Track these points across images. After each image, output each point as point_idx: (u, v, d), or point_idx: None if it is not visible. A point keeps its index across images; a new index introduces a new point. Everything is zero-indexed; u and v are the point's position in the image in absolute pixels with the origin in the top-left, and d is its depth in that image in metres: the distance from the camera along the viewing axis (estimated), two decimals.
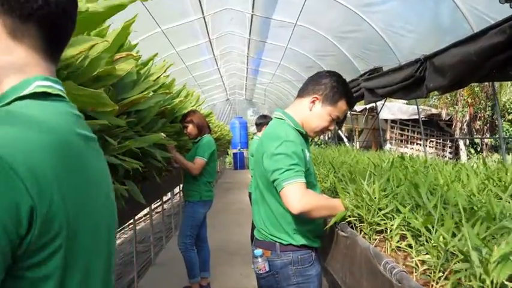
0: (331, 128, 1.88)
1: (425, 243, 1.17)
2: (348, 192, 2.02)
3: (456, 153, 10.81)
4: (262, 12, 8.68)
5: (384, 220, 1.43)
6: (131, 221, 4.31)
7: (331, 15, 7.75)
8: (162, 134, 2.55)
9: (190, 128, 3.64)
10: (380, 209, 1.48)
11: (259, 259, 1.79)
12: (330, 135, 14.71)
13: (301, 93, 1.90)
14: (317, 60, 9.72)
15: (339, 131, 14.39)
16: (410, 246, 1.24)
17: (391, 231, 1.34)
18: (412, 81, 4.58)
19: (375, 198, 1.50)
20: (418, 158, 3.13)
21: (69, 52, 1.21)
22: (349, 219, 1.61)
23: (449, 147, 11.15)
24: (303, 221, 1.74)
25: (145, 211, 7.58)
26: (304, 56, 9.91)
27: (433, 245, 1.10)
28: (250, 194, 4.45)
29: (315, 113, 1.82)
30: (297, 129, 1.82)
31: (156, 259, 4.98)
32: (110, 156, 2.03)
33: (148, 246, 5.96)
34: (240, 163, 19.08)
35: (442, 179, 1.66)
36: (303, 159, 1.71)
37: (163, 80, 3.20)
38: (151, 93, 2.33)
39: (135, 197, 2.48)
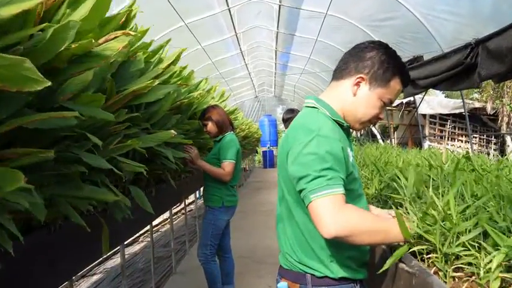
0: (382, 116, 1.42)
1: None
2: (400, 204, 1.58)
3: (501, 149, 10.00)
4: (290, 2, 8.23)
5: (467, 250, 0.99)
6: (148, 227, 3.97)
7: (365, 3, 7.24)
8: (173, 131, 2.16)
9: (210, 126, 3.25)
10: (459, 234, 1.03)
11: None
12: (362, 132, 14.10)
13: (340, 74, 1.43)
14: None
15: (372, 128, 13.77)
16: None
17: (487, 271, 0.89)
18: (460, 69, 4.05)
19: (451, 217, 1.05)
20: (479, 157, 2.63)
21: (3, 11, 0.83)
22: (414, 247, 1.15)
23: (494, 143, 10.34)
24: (342, 244, 1.26)
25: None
26: (335, 49, 9.39)
27: None
28: None
29: (361, 97, 1.36)
30: (335, 120, 1.38)
31: (177, 267, 4.63)
32: (101, 157, 1.66)
33: (171, 251, 5.65)
34: (269, 161, 18.75)
35: None
36: (342, 160, 1.26)
37: (178, 69, 2.82)
38: (157, 83, 1.94)
39: (141, 205, 2.11)
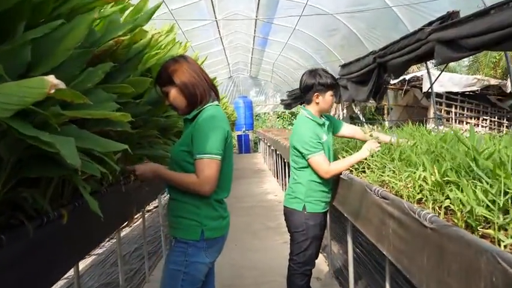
0: None
1: None
2: None
3: None
4: None
5: None
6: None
7: None
8: (51, 77, 0.70)
9: (173, 95, 1.79)
10: None
11: None
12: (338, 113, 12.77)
13: None
14: (344, 20, 7.79)
15: (354, 107, 12.43)
16: None
17: None
18: None
19: None
20: None
21: None
22: None
23: (506, 126, 9.16)
24: None
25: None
26: (328, 16, 7.96)
27: None
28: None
29: None
30: None
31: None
32: None
33: (131, 268, 4.23)
34: (245, 147, 17.55)
35: None
36: None
37: None
38: None
39: None
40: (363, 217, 1.93)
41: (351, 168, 2.36)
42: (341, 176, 2.38)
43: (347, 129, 2.72)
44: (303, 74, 2.56)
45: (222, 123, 1.75)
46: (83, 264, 4.30)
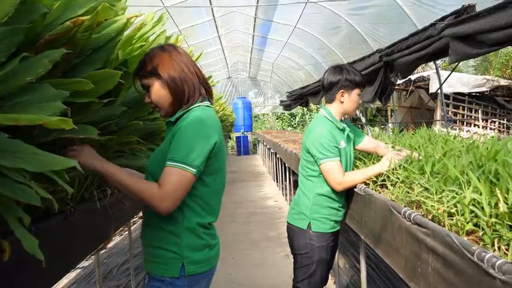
0: None
1: None
2: None
3: None
4: None
5: None
6: None
7: None
8: None
9: (156, 90, 1.43)
10: None
11: None
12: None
13: None
14: (347, 17, 7.45)
15: (358, 111, 12.09)
16: None
17: None
18: None
19: None
20: None
21: None
22: None
23: None
24: None
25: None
26: (331, 14, 7.61)
27: None
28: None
29: None
30: None
31: None
32: None
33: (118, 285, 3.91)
34: (244, 148, 17.29)
35: None
36: None
37: None
38: None
39: None
40: (386, 244, 1.58)
41: (367, 181, 2.01)
42: (355, 190, 2.02)
43: (369, 142, 2.33)
44: (326, 71, 2.22)
45: (211, 130, 1.38)
46: (66, 280, 3.95)
